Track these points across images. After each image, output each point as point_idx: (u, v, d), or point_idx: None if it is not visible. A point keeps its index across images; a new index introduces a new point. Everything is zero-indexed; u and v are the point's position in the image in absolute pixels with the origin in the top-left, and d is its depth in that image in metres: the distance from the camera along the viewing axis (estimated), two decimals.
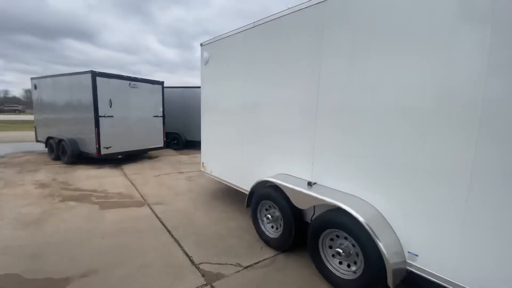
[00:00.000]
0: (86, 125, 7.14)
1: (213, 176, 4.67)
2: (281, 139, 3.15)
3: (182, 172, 6.88)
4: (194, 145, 11.82)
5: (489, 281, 1.71)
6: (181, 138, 10.65)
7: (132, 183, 5.81)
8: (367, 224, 2.08)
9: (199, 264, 2.81)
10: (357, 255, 2.27)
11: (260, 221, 3.26)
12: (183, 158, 9.04)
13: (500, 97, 1.62)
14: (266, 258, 2.93)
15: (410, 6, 1.98)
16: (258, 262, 2.85)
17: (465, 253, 1.80)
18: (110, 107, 7.22)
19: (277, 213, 3.03)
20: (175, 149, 10.69)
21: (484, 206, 1.71)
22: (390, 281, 1.99)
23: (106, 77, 7.06)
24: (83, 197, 4.82)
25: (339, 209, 2.28)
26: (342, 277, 2.37)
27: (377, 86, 2.19)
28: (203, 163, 4.94)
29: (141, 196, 4.97)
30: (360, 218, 2.12)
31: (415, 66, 1.97)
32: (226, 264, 2.82)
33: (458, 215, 1.81)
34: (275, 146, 3.24)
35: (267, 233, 3.16)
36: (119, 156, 7.64)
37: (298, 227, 2.83)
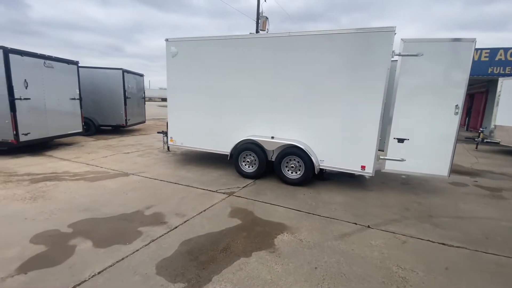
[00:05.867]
0: None
1: (184, 146, 6.10)
2: (253, 115, 5.25)
3: (128, 153, 7.41)
4: (105, 131, 11.29)
5: (333, 160, 4.69)
6: (93, 123, 10.12)
7: (87, 164, 6.08)
8: (306, 150, 4.68)
9: (215, 191, 4.58)
10: (300, 166, 4.86)
11: (240, 165, 5.31)
12: (109, 142, 9.02)
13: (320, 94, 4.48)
14: (251, 182, 5.08)
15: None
16: (247, 185, 4.95)
17: (325, 153, 4.71)
18: (26, 88, 6.54)
19: (253, 157, 5.20)
20: (85, 135, 10.01)
21: (324, 135, 4.61)
22: (316, 172, 4.70)
23: (19, 54, 6.33)
24: (52, 177, 4.98)
25: (293, 145, 4.77)
26: (293, 178, 4.93)
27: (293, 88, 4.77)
28: (171, 137, 6.19)
29: (116, 170, 5.63)
30: (303, 147, 4.69)
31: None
32: (231, 188, 4.74)
33: (326, 141, 4.68)
34: (248, 119, 5.31)
35: (246, 170, 5.28)
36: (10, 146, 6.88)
37: (267, 163, 5.13)
